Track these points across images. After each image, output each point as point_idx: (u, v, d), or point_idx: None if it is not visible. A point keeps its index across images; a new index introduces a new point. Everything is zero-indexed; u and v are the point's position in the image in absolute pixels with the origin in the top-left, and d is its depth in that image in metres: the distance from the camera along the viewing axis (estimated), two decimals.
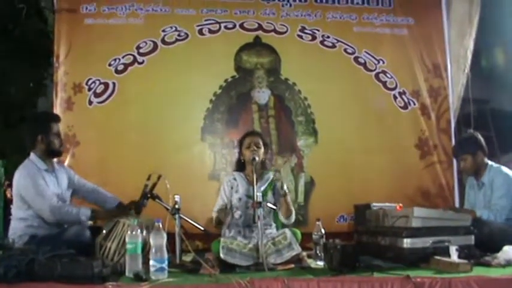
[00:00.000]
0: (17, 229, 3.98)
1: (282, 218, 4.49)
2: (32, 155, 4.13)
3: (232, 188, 4.55)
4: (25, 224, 3.96)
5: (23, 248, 3.53)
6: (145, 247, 3.47)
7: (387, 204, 4.89)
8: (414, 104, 6.05)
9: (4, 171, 7.19)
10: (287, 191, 4.39)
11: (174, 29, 5.81)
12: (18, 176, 4.01)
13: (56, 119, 4.35)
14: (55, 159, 4.37)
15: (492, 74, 7.63)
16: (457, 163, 5.59)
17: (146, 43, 5.76)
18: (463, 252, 3.55)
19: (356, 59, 6.03)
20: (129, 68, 5.71)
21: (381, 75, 6.05)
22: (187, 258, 3.99)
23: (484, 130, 6.62)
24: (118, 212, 4.15)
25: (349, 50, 6.02)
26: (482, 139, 4.88)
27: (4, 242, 3.78)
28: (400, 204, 4.61)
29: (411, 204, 5.22)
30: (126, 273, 3.26)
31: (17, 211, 4.03)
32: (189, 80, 5.79)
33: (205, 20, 5.88)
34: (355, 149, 5.89)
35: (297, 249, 3.87)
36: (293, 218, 4.49)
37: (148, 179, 4.06)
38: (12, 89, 8.00)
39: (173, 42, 5.81)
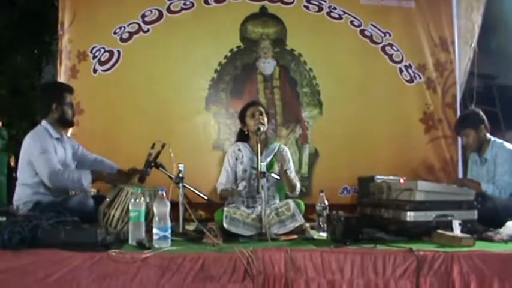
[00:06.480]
0: (22, 195, 3.97)
1: (287, 191, 4.51)
2: (45, 123, 4.12)
3: (237, 159, 4.55)
4: (31, 191, 3.95)
5: (26, 215, 3.51)
6: (149, 215, 3.49)
7: (391, 177, 4.91)
8: (420, 78, 6.02)
9: (9, 139, 7.20)
10: (289, 167, 4.41)
11: None
12: (29, 141, 3.99)
13: (70, 89, 4.32)
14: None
15: (501, 50, 7.56)
16: (460, 139, 5.57)
17: (151, 11, 5.70)
18: (466, 226, 3.55)
19: (362, 31, 5.97)
20: (134, 37, 5.67)
21: (387, 48, 6.00)
22: (191, 227, 4.00)
23: (489, 106, 6.60)
24: (119, 176, 4.16)
25: (356, 23, 5.96)
26: (483, 114, 4.87)
27: (8, 208, 3.79)
28: (404, 178, 4.61)
29: (415, 178, 5.24)
30: (129, 241, 3.27)
31: (23, 177, 4.01)
32: (194, 50, 5.76)
33: None
34: (360, 121, 5.88)
35: (300, 220, 3.88)
36: (297, 191, 4.50)
37: (153, 147, 4.05)
38: (18, 57, 7.98)
39: (179, 11, 5.75)
